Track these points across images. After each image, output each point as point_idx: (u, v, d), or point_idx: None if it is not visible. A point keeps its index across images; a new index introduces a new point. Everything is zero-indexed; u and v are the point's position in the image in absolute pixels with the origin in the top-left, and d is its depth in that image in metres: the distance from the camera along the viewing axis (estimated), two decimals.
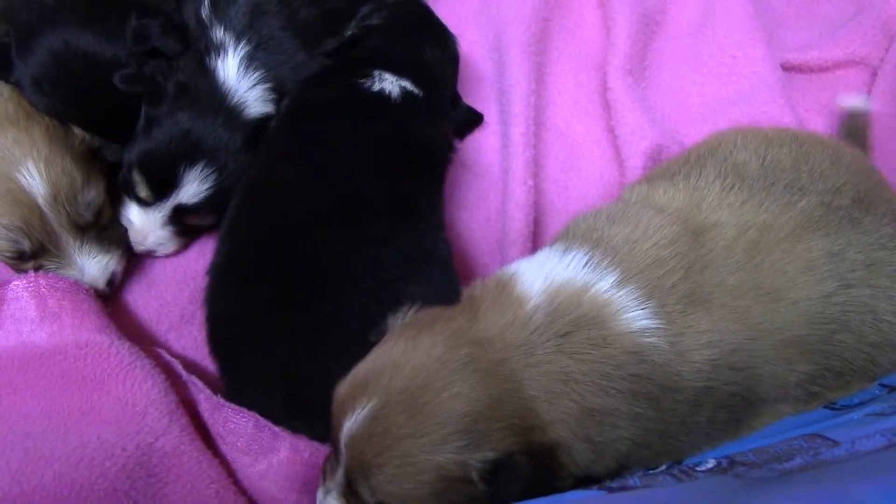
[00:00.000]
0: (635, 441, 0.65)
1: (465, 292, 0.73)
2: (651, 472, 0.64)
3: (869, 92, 1.17)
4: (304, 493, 0.80)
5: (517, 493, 0.62)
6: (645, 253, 0.68)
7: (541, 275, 0.68)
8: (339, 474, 0.67)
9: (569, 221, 0.78)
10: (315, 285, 0.83)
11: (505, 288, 0.68)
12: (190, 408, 0.84)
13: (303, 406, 0.82)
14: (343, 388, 0.66)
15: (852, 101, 1.10)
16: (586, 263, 0.68)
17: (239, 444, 0.81)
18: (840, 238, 0.71)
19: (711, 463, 0.60)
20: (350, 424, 0.64)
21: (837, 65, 1.21)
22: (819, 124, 1.15)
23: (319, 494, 0.71)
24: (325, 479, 0.71)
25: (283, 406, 0.82)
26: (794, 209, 0.72)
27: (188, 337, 0.95)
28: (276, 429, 0.80)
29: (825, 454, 0.52)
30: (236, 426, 0.81)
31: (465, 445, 0.61)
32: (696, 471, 0.59)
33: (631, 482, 0.61)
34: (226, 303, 0.87)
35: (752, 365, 0.67)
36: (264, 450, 0.80)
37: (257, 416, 0.80)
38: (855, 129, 1.08)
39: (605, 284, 0.66)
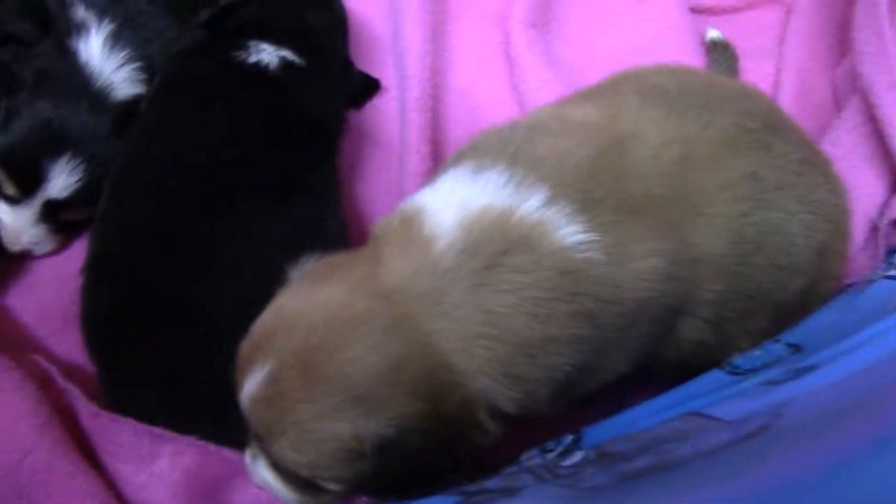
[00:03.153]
0: (573, 365, 0.60)
1: (371, 231, 0.66)
2: (511, 470, 0.59)
3: (784, 31, 1.13)
4: (193, 500, 0.75)
5: (405, 469, 0.58)
6: (576, 165, 0.63)
7: (452, 205, 0.61)
8: (260, 447, 0.63)
9: (474, 136, 0.72)
10: (193, 275, 0.78)
11: (412, 226, 0.61)
12: (70, 417, 0.78)
13: (187, 405, 0.77)
14: (243, 347, 0.61)
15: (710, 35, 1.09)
16: (507, 182, 0.61)
17: (118, 453, 0.75)
18: (754, 159, 0.69)
19: (578, 456, 0.56)
20: (249, 387, 0.59)
21: (750, 4, 1.17)
22: None
23: (247, 457, 0.66)
24: (249, 443, 0.66)
25: (167, 406, 0.77)
26: (713, 127, 0.69)
27: (71, 340, 0.89)
28: (158, 433, 0.75)
29: (703, 440, 0.46)
30: (113, 435, 0.75)
31: (360, 414, 0.56)
32: (561, 466, 0.55)
33: (489, 484, 0.56)
34: (100, 301, 0.81)
35: (685, 276, 0.64)
36: (144, 458, 0.74)
37: (134, 422, 0.75)
38: (721, 61, 1.07)
39: (532, 204, 0.60)
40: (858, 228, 0.89)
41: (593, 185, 0.62)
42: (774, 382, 0.55)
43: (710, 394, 0.62)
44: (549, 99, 1.00)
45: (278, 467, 0.61)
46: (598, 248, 0.60)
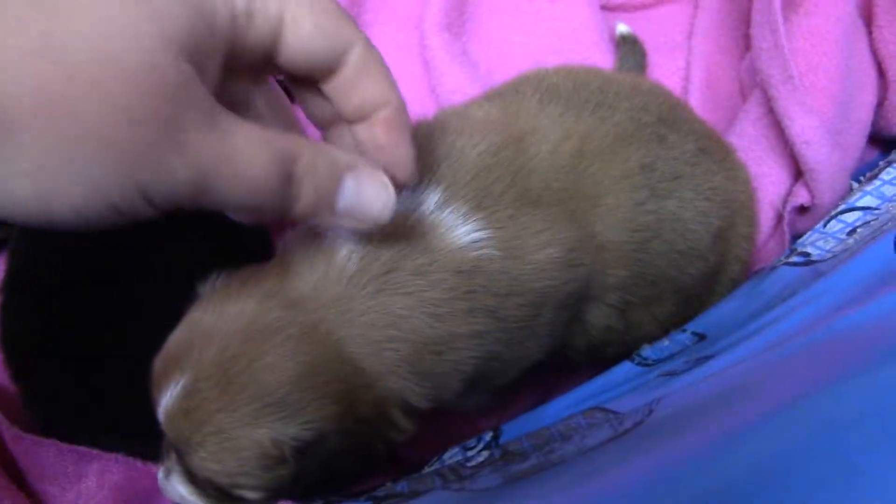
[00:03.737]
0: (480, 357, 0.61)
1: (279, 244, 0.67)
2: (419, 475, 0.61)
3: (692, 26, 1.16)
4: None
5: (324, 471, 0.58)
6: (472, 162, 0.64)
7: None
8: (174, 460, 0.63)
9: None
10: (116, 288, 0.77)
11: (316, 235, 0.61)
12: None
13: (112, 421, 0.77)
14: (157, 363, 0.61)
15: (620, 30, 1.11)
16: (405, 188, 0.61)
17: (44, 475, 0.75)
18: (650, 152, 0.72)
19: (483, 456, 0.57)
20: (165, 402, 0.59)
21: (659, 1, 1.20)
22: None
23: (160, 474, 0.66)
24: (162, 458, 0.66)
25: (92, 423, 0.77)
26: (608, 123, 0.72)
27: None
28: (83, 452, 0.75)
29: (589, 438, 0.48)
30: (38, 457, 0.75)
31: (278, 419, 0.57)
32: (466, 467, 0.56)
33: (398, 488, 0.58)
34: (21, 318, 0.80)
35: (586, 263, 0.66)
36: (70, 478, 0.74)
37: (57, 443, 0.74)
38: (630, 55, 1.10)
39: (427, 206, 0.61)
40: (765, 216, 0.93)
41: (490, 181, 0.64)
42: (673, 374, 0.58)
43: (620, 386, 0.64)
44: (465, 101, 1.01)
45: (195, 480, 0.62)
46: (493, 244, 0.61)
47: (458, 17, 1.12)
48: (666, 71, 1.13)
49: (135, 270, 0.78)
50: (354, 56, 0.49)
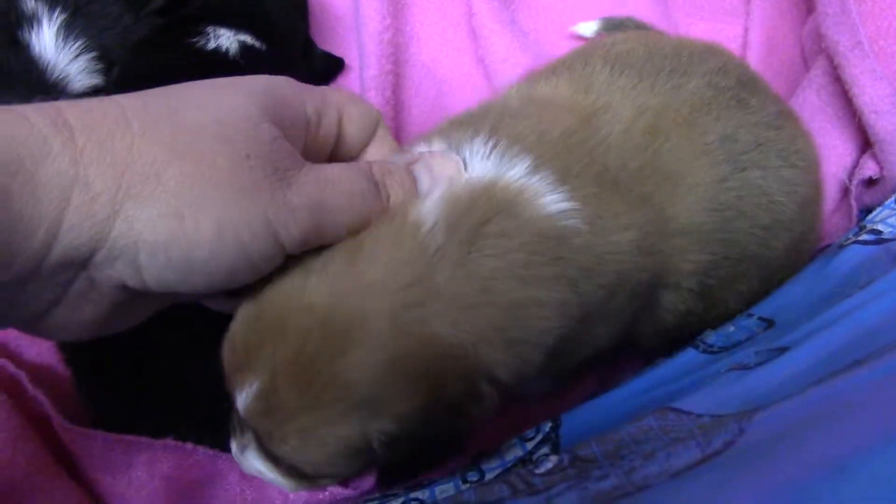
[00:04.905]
0: (560, 328, 0.58)
1: None
2: (482, 481, 0.59)
3: None
4: None
5: (411, 457, 0.57)
6: (554, 142, 0.62)
7: (433, 182, 0.59)
8: (249, 437, 0.61)
9: (440, 122, 0.70)
10: None
11: (395, 213, 0.57)
12: (44, 426, 0.77)
13: (165, 406, 0.76)
14: (228, 359, 0.58)
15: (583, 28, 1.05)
16: (490, 153, 0.60)
17: (94, 464, 0.75)
18: (731, 120, 0.68)
19: (552, 462, 0.55)
20: (242, 400, 0.56)
21: None
22: (698, 31, 1.09)
23: (234, 448, 0.64)
24: (234, 433, 0.64)
25: (145, 408, 0.76)
26: (685, 91, 0.68)
27: (42, 343, 0.87)
28: (131, 442, 0.74)
29: (672, 458, 0.44)
30: (87, 447, 0.74)
31: (365, 417, 0.54)
32: (535, 474, 0.54)
33: (466, 497, 0.55)
34: None
35: (660, 250, 0.63)
36: (119, 468, 0.74)
37: (104, 433, 0.74)
38: None
39: (516, 172, 0.59)
40: (830, 189, 0.89)
41: (570, 161, 0.61)
42: (745, 367, 0.55)
43: (685, 377, 0.61)
44: (517, 71, 0.99)
45: (273, 458, 0.60)
46: (579, 218, 0.59)
47: None
48: (723, 38, 1.09)
49: None
50: (380, 131, 0.64)
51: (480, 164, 0.60)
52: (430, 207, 0.57)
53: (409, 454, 0.58)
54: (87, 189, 0.44)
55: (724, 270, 0.67)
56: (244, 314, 0.58)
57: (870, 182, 0.88)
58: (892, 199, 0.80)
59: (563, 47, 1.04)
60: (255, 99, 0.52)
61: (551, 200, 0.58)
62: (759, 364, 0.54)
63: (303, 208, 0.50)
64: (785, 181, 0.70)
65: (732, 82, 0.70)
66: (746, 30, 1.09)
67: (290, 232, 0.50)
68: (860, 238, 0.74)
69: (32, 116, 0.44)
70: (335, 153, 0.62)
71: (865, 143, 0.89)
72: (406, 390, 0.54)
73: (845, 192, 0.90)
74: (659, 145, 0.64)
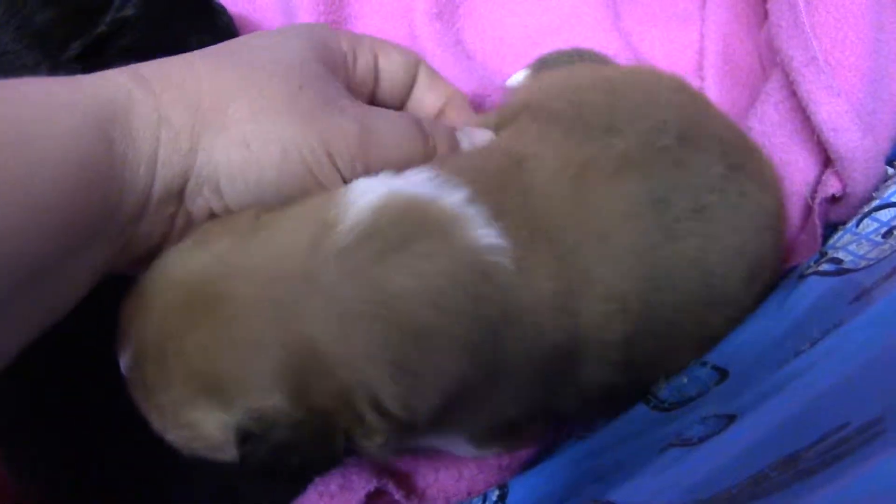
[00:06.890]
0: (464, 377, 0.55)
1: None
2: None
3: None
4: None
5: (277, 463, 0.52)
6: (490, 177, 0.61)
7: (368, 191, 0.57)
8: None
9: None
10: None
11: (318, 206, 0.56)
12: None
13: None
14: (121, 319, 0.57)
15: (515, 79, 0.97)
16: (432, 179, 0.59)
17: None
18: (664, 183, 0.63)
19: None
20: (122, 367, 0.57)
21: None
22: (652, 39, 1.05)
23: None
24: None
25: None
26: (615, 150, 0.64)
27: None
28: None
29: None
30: None
31: (217, 404, 0.52)
32: None
33: None
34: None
35: (581, 312, 0.59)
36: None
37: None
38: None
39: (455, 199, 0.57)
40: (794, 207, 0.85)
41: (504, 199, 0.59)
42: (687, 444, 0.50)
43: (634, 439, 0.57)
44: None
45: None
46: (508, 257, 0.56)
47: (449, 2, 1.04)
48: (679, 45, 1.05)
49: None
50: (421, 74, 0.72)
51: (423, 186, 0.58)
52: (354, 210, 0.54)
53: (274, 459, 0.53)
54: (170, 127, 0.52)
55: (652, 346, 0.62)
56: (136, 283, 0.57)
57: (834, 199, 0.83)
58: (854, 221, 0.76)
59: (509, 64, 1.01)
60: (302, 41, 0.60)
61: (484, 234, 0.56)
62: (703, 439, 0.50)
63: (353, 134, 0.57)
64: (730, 251, 0.64)
65: (671, 140, 0.65)
66: (702, 36, 1.04)
67: (342, 153, 0.56)
68: (820, 268, 0.70)
69: (114, 76, 0.53)
70: (378, 97, 0.70)
71: (828, 157, 0.84)
72: (263, 384, 0.51)
73: (809, 209, 0.85)
74: (585, 196, 0.61)
